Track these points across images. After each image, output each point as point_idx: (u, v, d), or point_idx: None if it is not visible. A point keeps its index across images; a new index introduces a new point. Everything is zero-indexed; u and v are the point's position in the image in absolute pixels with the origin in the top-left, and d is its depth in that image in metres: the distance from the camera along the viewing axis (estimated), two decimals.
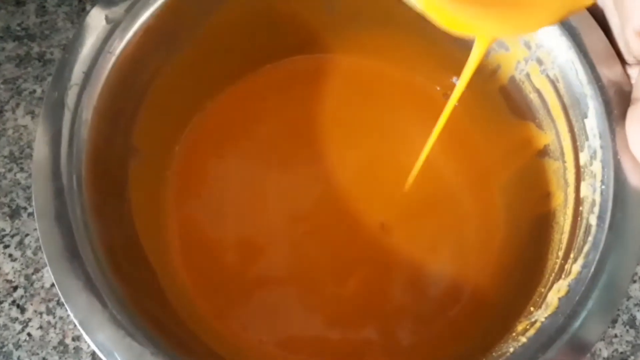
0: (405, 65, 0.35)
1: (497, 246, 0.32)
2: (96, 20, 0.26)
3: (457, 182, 0.33)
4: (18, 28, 0.38)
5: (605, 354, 0.33)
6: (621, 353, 0.33)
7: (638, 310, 0.34)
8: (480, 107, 0.33)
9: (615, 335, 0.33)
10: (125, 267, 0.25)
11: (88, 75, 0.25)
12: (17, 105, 0.37)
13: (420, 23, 0.30)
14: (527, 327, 0.23)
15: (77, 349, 0.33)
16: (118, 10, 0.26)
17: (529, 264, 0.27)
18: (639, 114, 0.23)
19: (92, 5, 0.26)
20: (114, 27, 0.26)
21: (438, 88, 0.35)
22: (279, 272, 0.32)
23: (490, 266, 0.31)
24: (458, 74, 0.32)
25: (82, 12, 0.38)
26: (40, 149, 0.24)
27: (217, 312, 0.31)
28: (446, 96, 0.34)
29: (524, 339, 0.22)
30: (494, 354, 0.23)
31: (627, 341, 0.33)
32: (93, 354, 0.32)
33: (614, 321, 0.34)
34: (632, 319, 0.34)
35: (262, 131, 0.34)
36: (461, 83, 0.24)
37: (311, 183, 0.33)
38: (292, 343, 0.30)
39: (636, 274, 0.35)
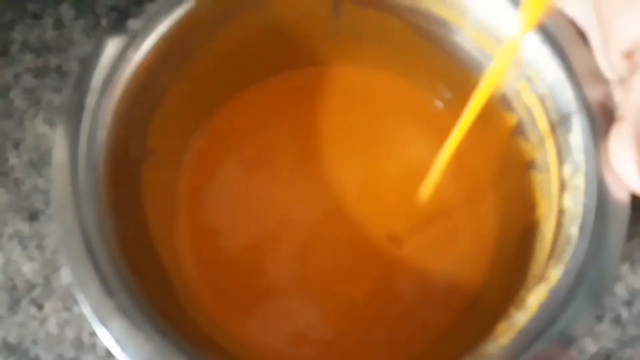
0: (406, 78, 0.36)
1: (488, 254, 0.33)
2: (116, 30, 0.27)
3: (452, 195, 0.35)
4: (36, 41, 0.39)
5: (592, 349, 0.34)
6: (608, 349, 0.34)
7: (624, 308, 0.35)
8: (474, 122, 0.34)
9: (602, 332, 0.35)
10: (138, 262, 0.26)
11: (107, 81, 0.26)
12: (36, 114, 0.38)
13: (421, 38, 0.32)
14: (507, 329, 0.24)
15: (93, 345, 0.34)
16: (136, 22, 0.27)
17: (514, 270, 0.28)
18: (621, 131, 0.24)
19: (108, 20, 0.28)
20: (132, 37, 0.27)
21: (438, 101, 0.36)
22: (287, 274, 0.33)
23: (480, 272, 0.32)
24: (457, 88, 0.34)
25: (98, 26, 0.39)
26: (60, 149, 0.25)
27: (223, 308, 0.32)
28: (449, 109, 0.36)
29: (503, 340, 0.23)
30: (473, 353, 0.24)
31: (614, 338, 0.35)
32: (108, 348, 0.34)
33: (601, 318, 0.35)
34: (618, 316, 0.35)
35: (270, 138, 0.36)
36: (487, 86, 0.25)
37: (317, 190, 0.34)
38: (297, 344, 0.32)
39: (621, 273, 0.36)
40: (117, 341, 0.23)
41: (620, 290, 0.36)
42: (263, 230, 0.34)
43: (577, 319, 0.23)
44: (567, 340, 0.23)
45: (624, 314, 0.35)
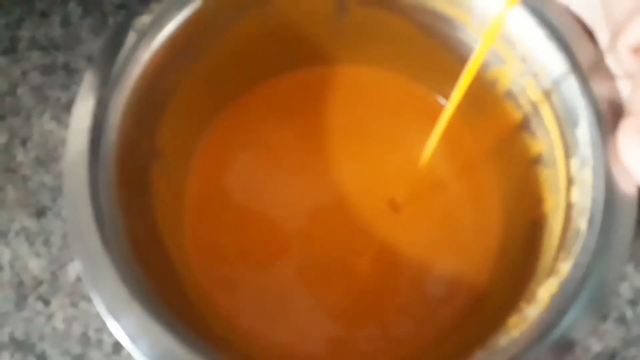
0: (411, 77, 0.36)
1: (494, 248, 0.33)
2: (124, 29, 0.27)
3: (455, 188, 0.35)
4: (43, 38, 0.39)
5: (597, 348, 0.35)
6: (612, 349, 0.35)
7: (628, 308, 0.35)
8: (478, 118, 0.34)
9: (607, 332, 0.35)
10: (148, 259, 0.26)
11: (116, 81, 0.27)
12: (43, 111, 0.38)
13: (426, 37, 0.32)
14: (518, 322, 0.24)
15: (99, 341, 0.34)
16: (144, 21, 0.27)
17: (522, 264, 0.28)
18: (630, 125, 0.24)
19: (115, 18, 0.28)
20: (140, 37, 0.27)
21: (443, 100, 0.36)
22: (295, 272, 0.33)
23: (486, 266, 0.33)
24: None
25: (105, 25, 0.39)
26: (71, 150, 0.25)
27: (229, 303, 0.32)
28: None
29: (515, 334, 0.23)
30: (485, 346, 0.24)
31: (618, 337, 0.35)
32: (115, 344, 0.34)
33: (605, 317, 0.35)
34: (623, 315, 0.35)
35: (275, 137, 0.36)
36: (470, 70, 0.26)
37: (324, 188, 0.35)
38: (304, 339, 0.32)
39: (626, 273, 0.36)
40: (130, 337, 0.23)
41: (625, 289, 0.36)
42: (269, 225, 0.34)
43: (585, 313, 0.23)
44: (570, 343, 0.23)
45: (629, 313, 0.35)
